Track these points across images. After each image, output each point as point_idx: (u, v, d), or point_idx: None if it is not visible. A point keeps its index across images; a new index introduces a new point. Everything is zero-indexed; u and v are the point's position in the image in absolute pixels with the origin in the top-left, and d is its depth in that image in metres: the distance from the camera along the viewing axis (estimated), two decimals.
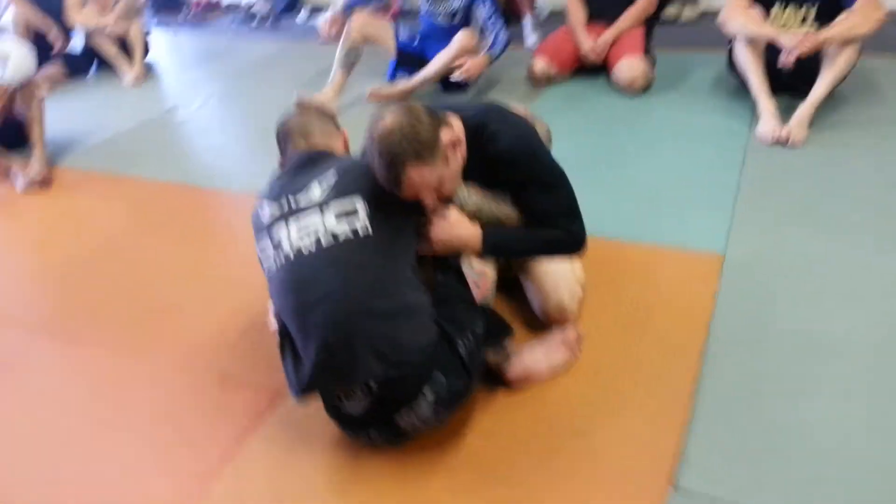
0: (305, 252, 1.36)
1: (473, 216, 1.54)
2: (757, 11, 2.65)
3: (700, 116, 2.82)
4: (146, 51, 4.13)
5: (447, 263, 1.52)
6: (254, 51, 4.37)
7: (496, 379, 1.56)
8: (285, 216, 1.42)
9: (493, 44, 3.01)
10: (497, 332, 1.54)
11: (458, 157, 1.45)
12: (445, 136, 1.40)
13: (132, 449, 1.53)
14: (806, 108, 2.54)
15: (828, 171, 2.32)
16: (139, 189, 2.69)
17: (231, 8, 5.48)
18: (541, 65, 3.26)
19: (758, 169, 2.38)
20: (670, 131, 2.73)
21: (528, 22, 3.93)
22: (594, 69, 3.26)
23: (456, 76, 2.95)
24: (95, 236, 2.39)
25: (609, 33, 3.17)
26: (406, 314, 1.34)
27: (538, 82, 3.28)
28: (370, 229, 1.37)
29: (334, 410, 1.41)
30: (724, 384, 1.53)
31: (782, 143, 2.50)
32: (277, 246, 1.40)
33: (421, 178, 1.37)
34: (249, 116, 3.35)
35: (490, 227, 1.55)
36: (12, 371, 1.80)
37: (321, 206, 1.39)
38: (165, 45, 4.67)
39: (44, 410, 1.67)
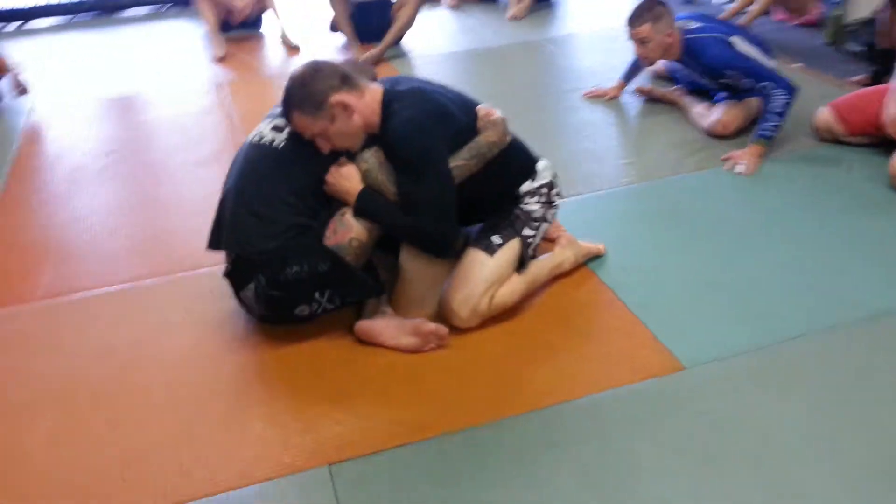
0: (247, 143, 1.88)
1: (364, 176, 1.75)
2: None
3: None
4: None
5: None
6: None
7: None
8: (268, 117, 1.90)
9: (765, 122, 2.64)
10: (358, 285, 1.80)
11: (348, 119, 1.72)
12: (337, 97, 1.69)
13: None
14: None
15: None
16: None
17: None
18: (825, 118, 2.78)
19: None
20: None
21: None
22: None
23: (729, 168, 2.67)
24: None
25: None
26: (269, 220, 1.73)
27: (820, 135, 2.83)
28: (281, 146, 1.80)
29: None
30: None
31: None
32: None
33: (302, 124, 1.73)
34: None
35: (369, 190, 1.75)
36: None
37: (275, 117, 1.86)
38: None
39: None
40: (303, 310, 1.80)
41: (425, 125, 1.74)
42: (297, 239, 1.74)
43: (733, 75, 2.77)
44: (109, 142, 3.15)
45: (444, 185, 1.74)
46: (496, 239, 1.90)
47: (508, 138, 1.90)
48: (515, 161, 1.96)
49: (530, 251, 1.97)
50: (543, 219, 2.00)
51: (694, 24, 2.90)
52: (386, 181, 1.76)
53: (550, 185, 2.01)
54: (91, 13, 4.96)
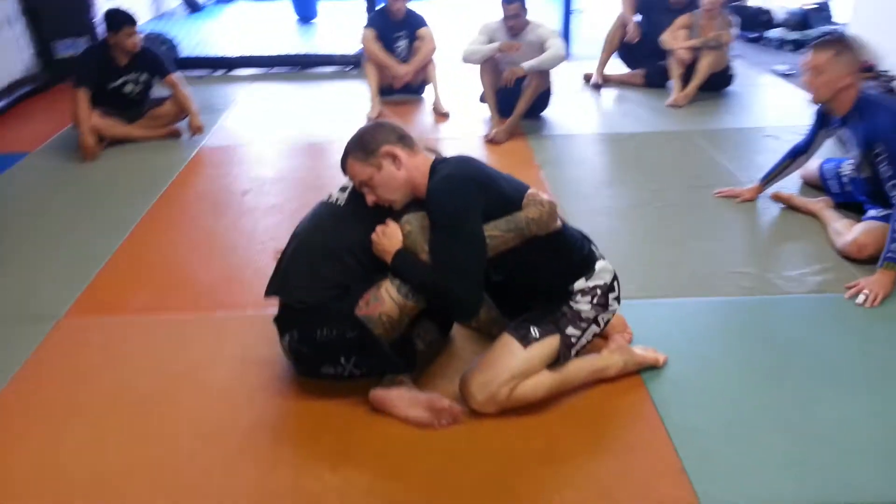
0: (320, 201, 1.99)
1: (405, 238, 1.77)
2: None
3: None
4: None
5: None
6: None
7: None
8: None
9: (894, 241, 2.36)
10: (383, 359, 1.82)
11: (395, 171, 1.79)
12: (388, 147, 1.79)
13: None
14: None
15: None
16: None
17: None
18: None
19: None
20: None
21: None
22: None
23: (851, 296, 2.37)
24: None
25: None
26: (319, 274, 1.82)
27: None
28: (342, 203, 1.91)
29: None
30: None
31: None
32: None
33: (353, 170, 1.84)
34: None
35: (406, 252, 1.76)
36: None
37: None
38: None
39: None
40: (328, 370, 1.86)
41: (461, 185, 1.75)
42: (335, 301, 1.80)
43: (882, 151, 2.48)
44: (254, 181, 3.48)
45: (473, 247, 1.71)
46: (535, 331, 1.83)
47: (556, 224, 1.83)
48: (570, 254, 1.89)
49: (573, 351, 1.87)
50: (595, 321, 1.90)
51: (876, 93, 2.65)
52: (425, 245, 1.77)
53: (608, 288, 1.91)
54: (286, 67, 5.57)
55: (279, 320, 1.92)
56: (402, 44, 4.65)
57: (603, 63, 5.06)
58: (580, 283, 1.88)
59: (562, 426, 1.82)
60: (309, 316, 1.82)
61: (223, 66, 5.55)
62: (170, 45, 5.81)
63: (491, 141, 3.95)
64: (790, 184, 3.14)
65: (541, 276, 1.90)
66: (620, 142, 3.95)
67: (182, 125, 4.07)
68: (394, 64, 4.52)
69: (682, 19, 4.72)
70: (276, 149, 3.95)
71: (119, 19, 3.67)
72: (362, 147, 1.82)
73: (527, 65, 3.90)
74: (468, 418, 1.82)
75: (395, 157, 1.80)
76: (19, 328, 2.28)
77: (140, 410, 1.91)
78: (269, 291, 1.92)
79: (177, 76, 4.01)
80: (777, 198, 3.07)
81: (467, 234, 1.71)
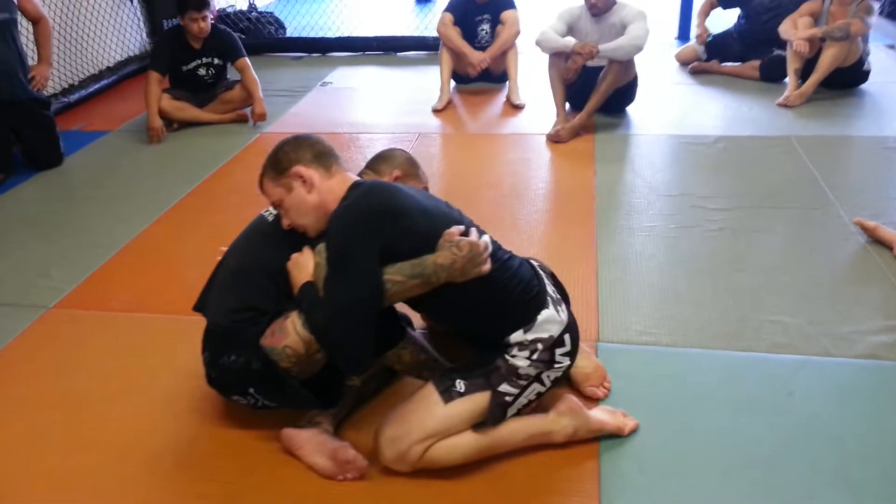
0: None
1: (315, 269, 1.58)
2: None
3: None
4: None
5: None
6: None
7: None
8: None
9: None
10: (290, 395, 1.66)
11: (305, 194, 1.61)
12: (299, 168, 1.62)
13: None
14: None
15: None
16: None
17: None
18: None
19: None
20: None
21: None
22: None
23: None
24: None
25: None
26: (236, 294, 1.69)
27: None
28: (271, 219, 1.76)
29: None
30: None
31: None
32: None
33: (265, 188, 1.68)
34: None
35: (311, 285, 1.56)
36: None
37: None
38: None
39: None
40: (239, 399, 1.73)
41: (357, 216, 1.53)
42: (246, 326, 1.66)
43: None
44: None
45: (359, 289, 1.48)
46: (460, 385, 1.59)
47: (479, 269, 1.54)
48: (502, 300, 1.61)
49: (508, 412, 1.61)
50: (537, 379, 1.62)
51: None
52: None
53: (553, 342, 1.62)
54: (380, 51, 5.49)
55: (204, 337, 1.82)
56: (485, 28, 4.39)
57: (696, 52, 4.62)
58: (517, 336, 1.60)
59: (483, 496, 1.58)
60: (220, 339, 1.69)
61: (319, 48, 5.56)
62: (278, 26, 5.94)
63: (553, 139, 3.62)
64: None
65: (470, 323, 1.66)
66: (703, 147, 3.47)
67: (249, 111, 4.10)
68: (469, 50, 4.27)
69: (809, 4, 4.08)
70: (336, 141, 3.86)
71: (185, 4, 3.73)
72: (274, 165, 1.65)
73: (602, 48, 3.53)
74: (380, 474, 1.62)
75: (305, 181, 1.62)
76: (11, 313, 2.36)
77: (80, 414, 1.90)
78: (195, 306, 1.82)
79: (247, 61, 4.04)
80: (860, 225, 2.54)
81: (354, 273, 1.49)
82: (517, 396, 1.61)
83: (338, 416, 1.76)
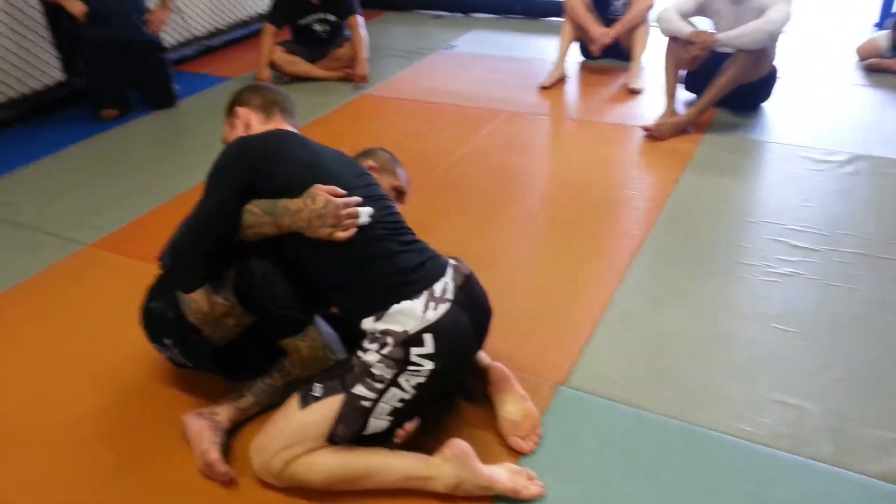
0: None
1: None
2: None
3: None
4: None
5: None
6: None
7: None
8: None
9: None
10: (193, 352, 1.66)
11: (240, 131, 1.72)
12: (238, 110, 1.76)
13: None
14: None
15: None
16: None
17: None
18: None
19: None
20: None
21: None
22: None
23: None
24: None
25: None
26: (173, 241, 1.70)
27: None
28: None
29: None
30: None
31: None
32: None
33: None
34: None
35: None
36: None
37: None
38: None
39: None
40: (158, 349, 1.75)
41: (233, 150, 1.59)
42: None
43: None
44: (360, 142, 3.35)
45: (206, 207, 1.54)
46: (317, 388, 1.48)
47: (328, 232, 1.48)
48: (359, 277, 1.51)
49: (370, 422, 1.46)
50: (394, 383, 1.46)
51: None
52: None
53: (408, 340, 1.45)
54: (521, 15, 5.21)
55: None
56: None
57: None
58: (368, 323, 1.48)
59: None
60: (155, 284, 1.74)
61: (463, 8, 5.40)
62: None
63: (650, 134, 3.19)
64: None
65: (330, 293, 1.58)
66: (827, 166, 2.88)
67: None
68: (591, 24, 3.89)
69: None
70: (428, 110, 3.70)
71: None
72: (228, 106, 1.80)
73: (723, 37, 3.04)
74: (257, 485, 1.54)
75: (243, 123, 1.73)
76: (53, 242, 2.56)
77: (70, 361, 1.96)
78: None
79: (359, 19, 4.01)
80: None
81: (208, 195, 1.55)
82: (375, 402, 1.45)
83: (246, 412, 1.70)
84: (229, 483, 1.54)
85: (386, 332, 1.46)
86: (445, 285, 1.54)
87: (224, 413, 1.66)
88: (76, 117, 3.71)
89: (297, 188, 1.51)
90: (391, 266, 1.51)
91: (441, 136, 3.33)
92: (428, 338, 1.45)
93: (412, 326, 1.45)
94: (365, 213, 1.53)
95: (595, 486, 1.51)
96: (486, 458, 1.53)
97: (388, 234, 1.55)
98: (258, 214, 1.51)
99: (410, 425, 1.51)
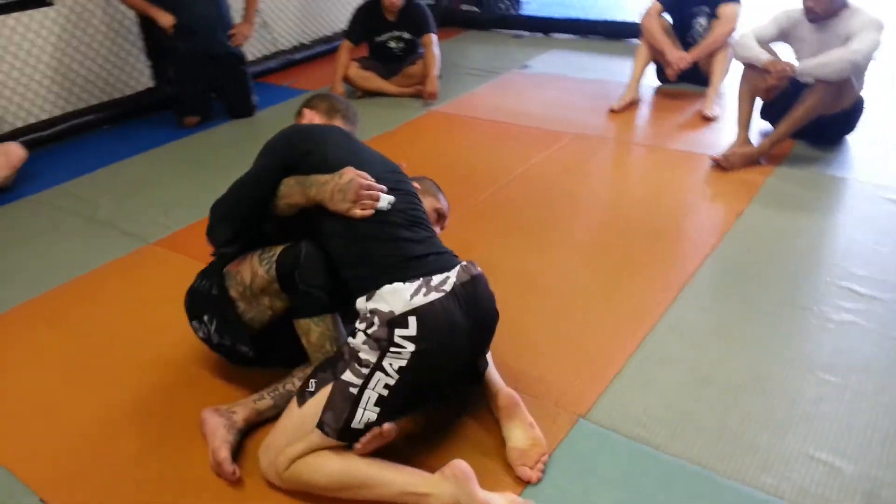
0: None
1: None
2: None
3: None
4: None
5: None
6: None
7: None
8: None
9: None
10: (230, 328, 1.74)
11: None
12: (307, 110, 1.96)
13: None
14: None
15: None
16: None
17: None
18: None
19: None
20: None
21: None
22: None
23: None
24: None
25: None
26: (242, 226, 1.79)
27: None
28: None
29: None
30: None
31: None
32: None
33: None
34: None
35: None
36: None
37: None
38: None
39: None
40: (196, 326, 1.84)
41: (278, 137, 1.76)
42: (227, 260, 1.78)
43: None
44: (415, 160, 3.39)
45: (248, 180, 1.71)
46: (312, 384, 1.53)
47: (348, 206, 1.59)
48: (361, 253, 1.59)
49: (358, 412, 1.46)
50: (379, 367, 1.47)
51: None
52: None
53: (392, 320, 1.46)
54: (602, 36, 5.14)
55: None
56: (701, 21, 3.88)
57: None
58: (360, 302, 1.53)
59: None
60: (207, 267, 1.86)
61: (542, 28, 5.38)
62: (512, 2, 5.87)
63: (717, 164, 3.07)
64: None
65: (336, 261, 1.64)
66: None
67: None
68: (668, 48, 3.79)
69: None
70: (492, 128, 3.70)
71: None
72: (298, 108, 1.99)
73: (801, 66, 2.90)
74: (263, 486, 1.57)
75: (307, 121, 1.91)
76: (119, 239, 2.72)
77: (116, 350, 2.08)
78: None
79: (433, 37, 4.07)
80: None
81: (258, 167, 1.72)
82: (362, 388, 1.47)
83: (263, 414, 1.74)
84: (236, 482, 1.59)
85: (374, 312, 1.49)
86: (446, 278, 1.55)
87: (241, 413, 1.71)
88: (161, 122, 3.95)
89: (331, 167, 1.64)
90: (393, 249, 1.57)
91: (500, 155, 3.33)
92: (412, 320, 1.47)
93: (398, 308, 1.47)
94: (385, 200, 1.63)
95: None
96: (491, 486, 1.50)
97: (403, 223, 1.63)
98: (291, 185, 1.66)
99: (388, 427, 1.49)
